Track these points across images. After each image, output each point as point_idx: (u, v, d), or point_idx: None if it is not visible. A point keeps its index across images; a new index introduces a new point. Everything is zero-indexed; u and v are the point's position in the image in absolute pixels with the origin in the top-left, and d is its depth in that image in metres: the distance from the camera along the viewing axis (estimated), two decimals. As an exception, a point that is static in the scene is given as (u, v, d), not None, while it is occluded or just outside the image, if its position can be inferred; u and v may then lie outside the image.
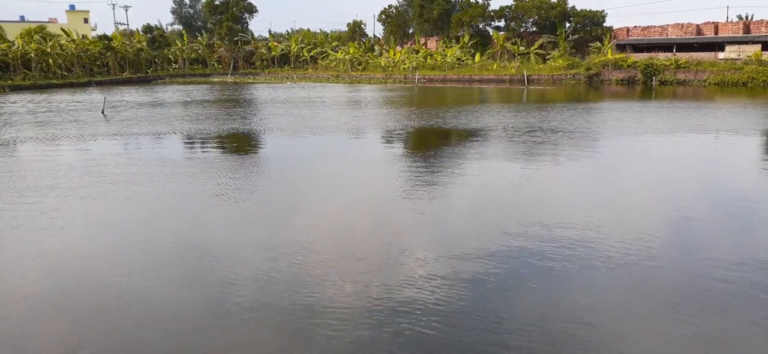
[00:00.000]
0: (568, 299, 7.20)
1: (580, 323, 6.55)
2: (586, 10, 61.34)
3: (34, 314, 7.03)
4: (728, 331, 6.41)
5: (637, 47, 57.83)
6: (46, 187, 13.46)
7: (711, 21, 58.00)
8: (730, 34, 54.64)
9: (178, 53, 78.88)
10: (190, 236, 9.79)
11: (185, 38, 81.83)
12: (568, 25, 62.02)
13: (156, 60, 75.96)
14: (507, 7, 65.28)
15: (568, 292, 7.41)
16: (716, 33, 56.44)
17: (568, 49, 59.95)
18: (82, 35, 73.16)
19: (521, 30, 65.90)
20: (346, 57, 71.40)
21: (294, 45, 79.00)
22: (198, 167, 15.69)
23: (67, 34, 66.53)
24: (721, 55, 51.69)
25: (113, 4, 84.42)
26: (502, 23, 67.42)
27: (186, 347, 6.24)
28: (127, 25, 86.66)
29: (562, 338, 6.22)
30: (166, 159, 17.18)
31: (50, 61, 60.53)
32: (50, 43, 62.22)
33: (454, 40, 67.70)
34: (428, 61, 65.82)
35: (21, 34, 64.71)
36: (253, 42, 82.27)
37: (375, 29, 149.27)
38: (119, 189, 13.24)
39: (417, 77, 59.93)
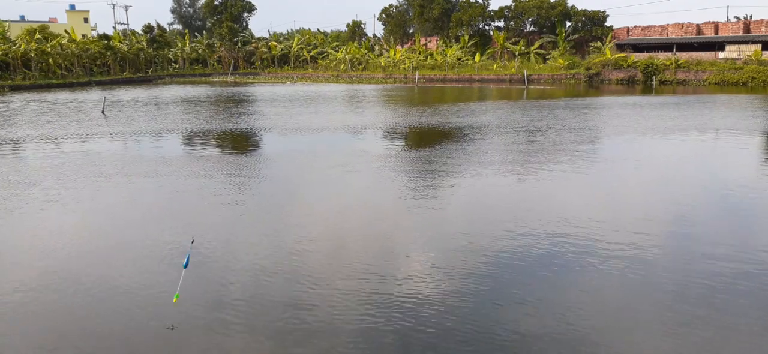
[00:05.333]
0: (567, 299, 7.19)
1: (579, 323, 6.55)
2: (586, 9, 61.32)
3: (26, 314, 7.02)
4: (728, 330, 6.40)
5: (637, 47, 57.80)
6: (43, 186, 13.45)
7: (711, 21, 58.00)
8: (730, 34, 54.61)
9: (178, 53, 78.89)
10: (185, 237, 9.78)
11: (187, 38, 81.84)
12: (568, 24, 61.98)
13: (156, 60, 75.94)
14: (507, 7, 65.30)
15: (567, 292, 7.40)
16: (716, 33, 56.41)
17: (568, 48, 59.92)
18: (82, 35, 73.09)
19: (521, 30, 65.87)
20: (347, 57, 71.40)
21: (295, 45, 78.99)
22: (196, 167, 15.68)
23: (68, 34, 66.52)
24: (721, 54, 51.66)
25: (113, 4, 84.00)
26: (502, 23, 67.43)
27: (179, 350, 6.22)
28: (127, 24, 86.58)
29: (562, 338, 6.22)
30: (164, 159, 17.17)
31: (50, 60, 60.49)
32: (51, 44, 62.19)
33: (454, 40, 67.68)
34: (428, 60, 65.80)
35: (22, 33, 64.76)
36: (253, 42, 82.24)
37: (375, 29, 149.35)
38: (116, 189, 13.23)
39: (417, 77, 59.91)
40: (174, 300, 6.71)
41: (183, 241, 9.34)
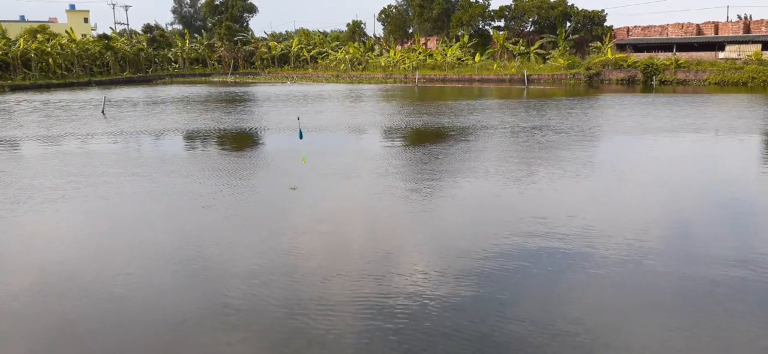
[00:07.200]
0: (566, 301, 7.19)
1: (578, 326, 6.54)
2: (586, 9, 61.29)
3: (21, 314, 7.02)
4: (726, 333, 6.39)
5: (638, 47, 57.78)
6: (40, 186, 13.44)
7: (711, 21, 57.97)
8: (730, 34, 54.59)
9: (178, 53, 78.87)
10: (182, 238, 9.78)
11: (187, 38, 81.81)
12: (568, 24, 61.96)
13: (156, 60, 75.93)
14: (507, 6, 65.26)
15: (566, 294, 7.40)
16: (716, 33, 56.38)
17: (568, 48, 59.89)
18: (82, 35, 73.09)
19: (521, 30, 65.84)
20: (346, 57, 71.39)
21: (295, 45, 78.97)
22: (195, 167, 15.68)
23: (69, 34, 66.54)
24: (721, 54, 51.64)
25: (113, 4, 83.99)
26: (502, 23, 67.41)
27: (176, 351, 6.21)
28: (127, 24, 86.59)
29: (560, 340, 6.21)
30: (163, 159, 17.18)
31: (50, 61, 60.49)
32: (51, 44, 62.20)
33: (454, 40, 67.64)
34: (428, 61, 65.75)
35: (23, 33, 64.85)
36: (253, 42, 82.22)
37: (375, 29, 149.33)
38: (114, 189, 13.22)
39: (417, 77, 59.89)
40: (303, 160, 9.80)
41: (179, 242, 9.35)
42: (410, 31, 75.96)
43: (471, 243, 9.08)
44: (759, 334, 6.27)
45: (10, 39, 62.75)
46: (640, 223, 9.91)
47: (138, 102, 37.90)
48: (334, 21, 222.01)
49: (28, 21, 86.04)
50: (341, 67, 70.70)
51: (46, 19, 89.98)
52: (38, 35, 64.28)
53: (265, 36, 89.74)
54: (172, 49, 79.06)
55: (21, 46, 59.28)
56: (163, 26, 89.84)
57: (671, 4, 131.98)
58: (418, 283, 7.55)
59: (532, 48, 61.85)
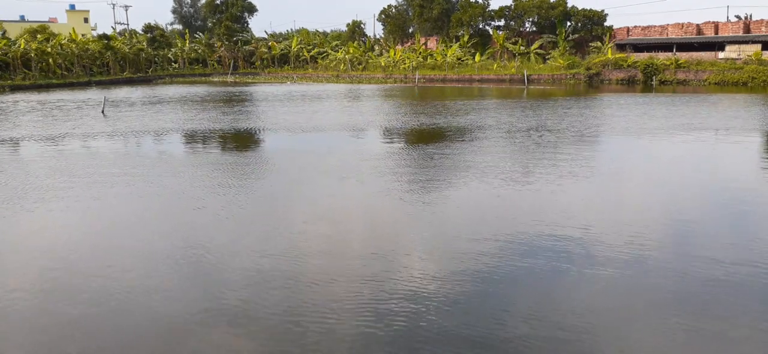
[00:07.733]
0: (565, 302, 7.15)
1: (578, 326, 6.50)
2: (586, 9, 61.22)
3: (20, 315, 6.98)
4: (726, 333, 6.35)
5: (637, 47, 57.74)
6: (40, 187, 13.41)
7: (711, 21, 57.92)
8: (730, 34, 54.54)
9: (178, 53, 78.88)
10: (178, 238, 9.74)
11: (187, 38, 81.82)
12: (568, 24, 61.90)
13: (156, 60, 75.94)
14: (507, 6, 65.22)
15: (565, 295, 7.36)
16: (716, 33, 56.34)
17: (568, 48, 59.83)
18: (82, 35, 73.14)
19: (521, 30, 65.80)
20: (347, 57, 71.37)
21: (295, 45, 78.96)
22: (194, 167, 15.64)
23: (69, 34, 66.55)
24: (721, 54, 51.59)
25: (113, 4, 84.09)
26: (502, 23, 67.35)
27: (175, 352, 6.16)
28: (127, 25, 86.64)
29: (560, 341, 6.17)
30: (162, 158, 17.15)
31: (50, 61, 60.49)
32: (51, 44, 62.20)
33: (454, 40, 67.59)
34: (428, 60, 65.72)
35: (23, 33, 64.89)
36: (253, 42, 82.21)
37: (375, 29, 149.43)
38: (113, 189, 13.18)
39: (417, 77, 59.86)
40: None
41: (175, 242, 9.31)
42: (410, 31, 75.91)
43: (468, 243, 9.04)
44: (759, 333, 6.23)
45: (10, 39, 62.77)
46: (639, 223, 9.87)
47: (136, 102, 37.87)
48: (334, 21, 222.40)
49: (28, 21, 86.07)
50: (341, 67, 70.67)
51: (46, 19, 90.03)
52: (38, 35, 64.31)
53: (265, 36, 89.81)
54: (172, 49, 79.07)
55: (21, 46, 59.27)
56: (163, 26, 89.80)
57: (671, 4, 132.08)
58: (416, 283, 7.51)
59: (532, 48, 61.80)
